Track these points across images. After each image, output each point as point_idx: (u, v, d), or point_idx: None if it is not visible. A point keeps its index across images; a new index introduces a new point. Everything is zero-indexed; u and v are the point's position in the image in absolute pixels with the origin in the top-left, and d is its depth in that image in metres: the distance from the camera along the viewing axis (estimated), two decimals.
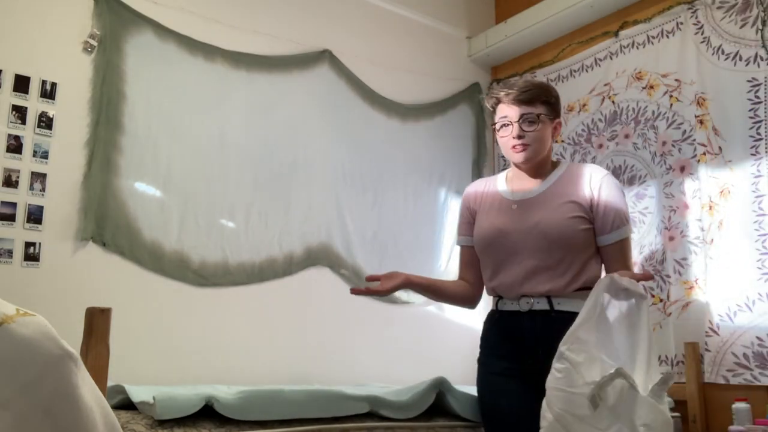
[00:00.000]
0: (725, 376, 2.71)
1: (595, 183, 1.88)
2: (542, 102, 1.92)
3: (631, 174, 3.25)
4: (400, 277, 1.91)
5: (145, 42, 2.81)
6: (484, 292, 2.06)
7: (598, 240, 1.88)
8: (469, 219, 2.05)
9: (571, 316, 1.61)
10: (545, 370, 1.56)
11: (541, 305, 1.80)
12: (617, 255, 1.87)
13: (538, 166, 1.96)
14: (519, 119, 1.88)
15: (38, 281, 2.43)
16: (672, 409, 2.78)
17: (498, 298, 1.93)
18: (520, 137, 1.88)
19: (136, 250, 2.65)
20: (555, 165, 2.02)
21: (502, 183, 2.03)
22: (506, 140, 1.92)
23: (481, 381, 1.94)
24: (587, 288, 1.72)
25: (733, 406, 2.54)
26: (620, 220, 1.86)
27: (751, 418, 2.48)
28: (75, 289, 2.47)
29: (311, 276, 3.14)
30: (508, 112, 1.91)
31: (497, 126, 1.94)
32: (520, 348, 1.83)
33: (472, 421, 2.07)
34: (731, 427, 2.44)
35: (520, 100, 1.89)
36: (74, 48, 2.65)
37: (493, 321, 1.95)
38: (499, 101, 1.95)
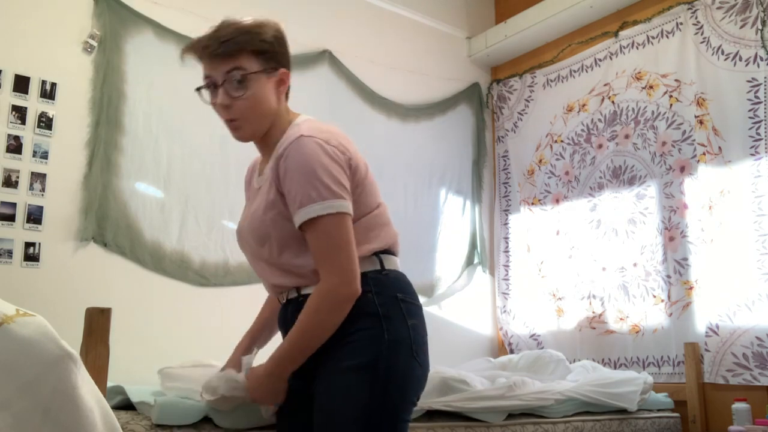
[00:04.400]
0: (725, 376, 2.71)
1: (282, 153, 1.41)
2: (252, 51, 1.43)
3: (631, 174, 3.25)
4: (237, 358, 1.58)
5: (145, 42, 2.81)
6: None
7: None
8: None
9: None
10: None
11: (293, 293, 1.47)
12: (311, 245, 1.38)
13: (268, 136, 1.48)
14: (224, 79, 1.41)
15: (38, 281, 2.43)
16: (672, 410, 2.79)
17: None
18: (226, 107, 1.42)
19: (136, 250, 2.65)
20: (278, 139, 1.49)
21: (259, 161, 1.62)
22: (217, 111, 1.45)
23: None
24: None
25: (733, 406, 2.54)
26: (303, 197, 1.35)
27: (751, 418, 2.48)
28: (75, 289, 2.47)
29: None
30: (209, 70, 1.44)
31: (202, 90, 1.47)
32: None
33: (473, 419, 2.07)
34: (731, 427, 2.44)
35: (219, 54, 1.41)
36: (74, 48, 2.64)
37: None
38: (196, 52, 1.46)
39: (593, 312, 3.31)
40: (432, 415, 2.01)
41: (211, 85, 1.43)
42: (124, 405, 1.67)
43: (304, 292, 1.43)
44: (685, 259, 2.96)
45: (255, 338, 1.66)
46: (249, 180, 1.64)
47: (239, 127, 1.44)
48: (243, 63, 1.41)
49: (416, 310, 1.47)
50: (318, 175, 1.35)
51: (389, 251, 1.51)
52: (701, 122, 2.96)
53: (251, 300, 2.90)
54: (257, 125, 1.45)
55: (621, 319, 3.19)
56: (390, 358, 1.36)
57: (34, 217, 2.46)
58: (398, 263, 1.54)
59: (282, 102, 1.49)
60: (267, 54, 1.44)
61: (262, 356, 1.58)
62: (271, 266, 1.46)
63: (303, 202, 1.35)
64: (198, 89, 1.47)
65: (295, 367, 1.39)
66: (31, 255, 2.44)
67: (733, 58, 2.89)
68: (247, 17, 1.46)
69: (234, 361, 1.59)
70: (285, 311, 1.50)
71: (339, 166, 1.38)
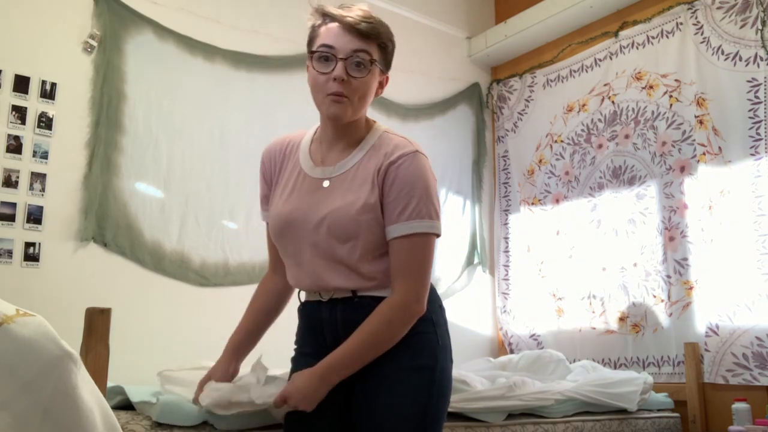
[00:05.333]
0: (725, 376, 2.71)
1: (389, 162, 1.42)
2: (379, 44, 1.45)
3: (631, 174, 3.25)
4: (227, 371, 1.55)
5: (145, 42, 2.81)
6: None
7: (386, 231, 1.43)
8: (266, 190, 1.60)
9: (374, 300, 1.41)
10: None
11: (345, 293, 1.45)
12: (400, 256, 1.41)
13: (352, 128, 1.48)
14: (348, 56, 1.40)
15: (38, 281, 2.43)
16: (672, 410, 2.79)
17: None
18: (342, 81, 1.39)
19: (136, 250, 2.65)
20: (369, 129, 1.52)
21: (305, 147, 1.54)
22: (324, 80, 1.41)
23: None
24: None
25: (733, 406, 2.54)
26: (415, 212, 1.40)
27: (751, 418, 2.48)
28: (75, 289, 2.47)
29: None
30: (336, 41, 1.40)
31: (315, 56, 1.43)
32: (322, 340, 1.49)
33: (473, 419, 2.07)
34: (731, 427, 2.45)
35: (358, 31, 1.40)
36: (74, 48, 2.65)
37: (299, 313, 1.58)
38: (331, 19, 1.43)
39: (593, 312, 3.31)
40: None
41: (329, 55, 1.41)
42: (124, 405, 1.67)
43: (361, 293, 1.43)
44: (685, 259, 2.96)
45: (241, 348, 1.59)
46: (281, 162, 1.56)
47: (342, 103, 1.41)
48: (371, 49, 1.42)
49: (446, 320, 1.54)
50: (431, 195, 1.43)
51: None
52: (701, 122, 2.96)
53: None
54: (356, 110, 1.44)
55: (621, 319, 3.19)
56: (444, 362, 1.44)
57: (34, 217, 2.46)
58: None
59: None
60: (387, 54, 1.48)
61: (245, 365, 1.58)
62: (337, 264, 1.42)
63: (413, 215, 1.40)
64: (311, 53, 1.44)
65: (347, 375, 1.38)
66: (31, 255, 2.44)
67: (733, 58, 2.89)
68: (368, 9, 1.47)
69: (220, 372, 1.53)
70: (329, 310, 1.46)
71: (437, 190, 1.48)
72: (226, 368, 1.54)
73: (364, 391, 1.41)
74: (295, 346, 1.58)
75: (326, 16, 1.43)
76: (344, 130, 1.47)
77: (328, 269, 1.43)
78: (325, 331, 1.47)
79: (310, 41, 1.47)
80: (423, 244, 1.41)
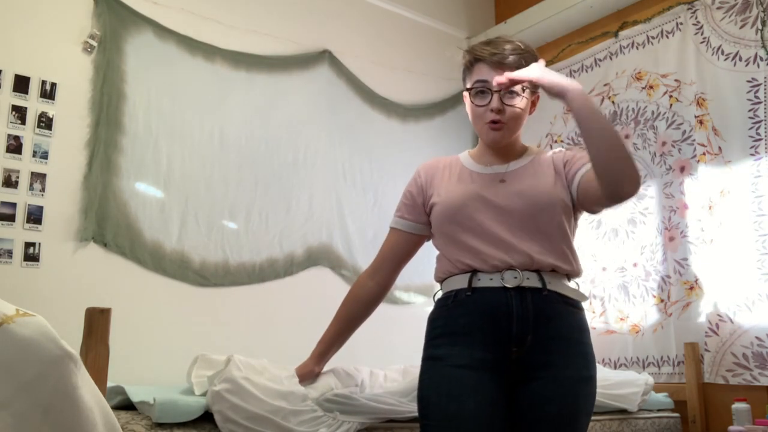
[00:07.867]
0: (725, 376, 2.71)
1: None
2: None
3: None
4: (311, 371, 1.82)
5: (145, 42, 2.81)
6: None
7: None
8: (413, 200, 1.75)
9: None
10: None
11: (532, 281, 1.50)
12: None
13: (509, 144, 1.64)
14: (500, 89, 1.55)
15: (38, 281, 2.43)
16: (672, 410, 2.79)
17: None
18: (499, 111, 1.55)
19: (136, 250, 2.65)
20: (525, 148, 1.69)
21: (466, 159, 1.71)
22: (482, 111, 1.58)
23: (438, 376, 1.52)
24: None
25: (733, 406, 2.54)
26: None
27: (751, 418, 2.48)
28: (75, 289, 2.47)
29: (312, 276, 3.14)
30: (488, 76, 1.55)
31: (472, 92, 1.59)
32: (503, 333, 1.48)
33: None
34: (731, 428, 2.45)
35: (508, 65, 1.54)
36: (74, 48, 2.64)
37: (460, 302, 1.55)
38: (477, 60, 1.59)
39: (593, 312, 3.31)
40: None
41: (484, 89, 1.57)
42: (124, 405, 1.67)
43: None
44: (685, 259, 2.96)
45: (326, 355, 1.84)
46: (435, 168, 1.74)
47: (500, 129, 1.57)
48: None
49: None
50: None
51: None
52: (701, 122, 2.96)
53: (251, 300, 2.93)
54: (513, 132, 1.60)
55: (621, 319, 3.19)
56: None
57: (34, 217, 2.46)
58: None
59: None
60: None
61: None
62: (541, 234, 1.52)
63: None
64: (468, 90, 1.61)
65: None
66: (31, 255, 2.44)
67: (733, 58, 2.89)
68: (514, 40, 1.62)
69: (306, 369, 1.81)
70: (519, 298, 1.49)
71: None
72: (311, 370, 1.81)
73: (552, 391, 1.54)
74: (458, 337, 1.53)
75: (477, 57, 1.59)
76: (506, 145, 1.62)
77: (530, 243, 1.53)
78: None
79: (465, 77, 1.64)
80: None
